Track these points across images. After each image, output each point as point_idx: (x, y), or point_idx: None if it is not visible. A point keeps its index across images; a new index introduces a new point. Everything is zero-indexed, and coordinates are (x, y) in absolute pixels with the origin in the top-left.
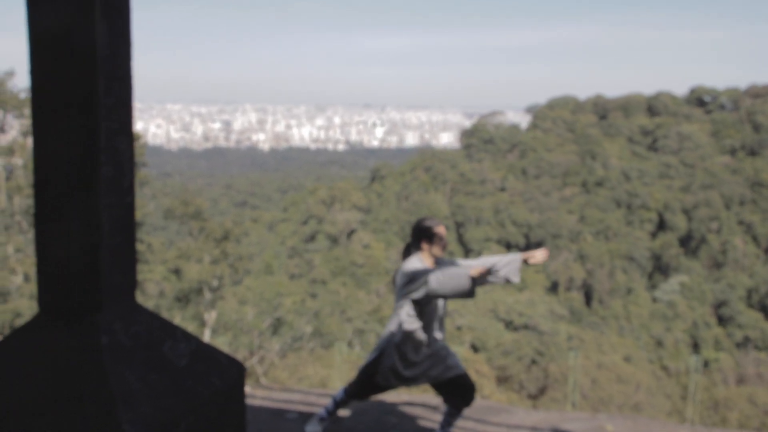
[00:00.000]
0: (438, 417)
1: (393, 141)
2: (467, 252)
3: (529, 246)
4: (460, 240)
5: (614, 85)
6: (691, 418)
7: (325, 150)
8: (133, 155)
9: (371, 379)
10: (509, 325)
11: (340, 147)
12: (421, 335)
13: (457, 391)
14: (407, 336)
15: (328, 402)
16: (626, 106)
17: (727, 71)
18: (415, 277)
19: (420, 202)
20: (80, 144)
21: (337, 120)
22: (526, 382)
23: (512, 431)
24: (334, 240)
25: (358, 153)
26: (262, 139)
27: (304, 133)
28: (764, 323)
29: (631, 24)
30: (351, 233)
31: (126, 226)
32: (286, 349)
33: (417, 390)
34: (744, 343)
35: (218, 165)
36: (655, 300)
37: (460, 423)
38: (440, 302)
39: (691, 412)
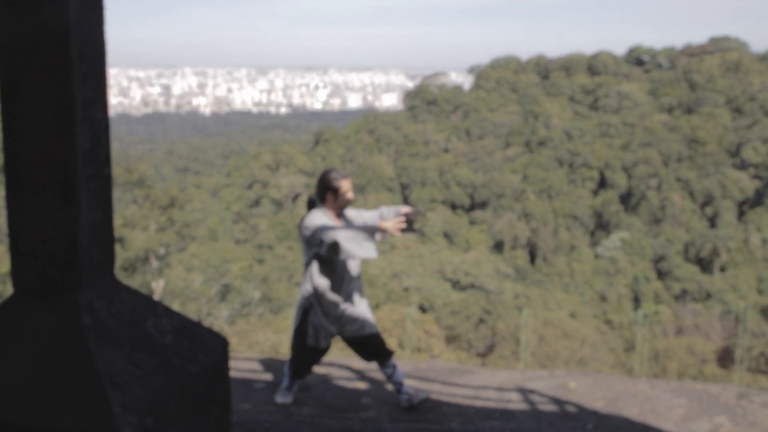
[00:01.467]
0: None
1: (336, 103)
2: None
3: (474, 206)
4: (406, 201)
5: (556, 45)
6: (638, 369)
7: (267, 114)
8: (108, 125)
9: (304, 343)
10: (456, 284)
11: (283, 110)
12: (336, 290)
13: (371, 350)
14: (323, 292)
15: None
16: (567, 65)
17: (664, 31)
18: (315, 234)
19: (365, 164)
20: (54, 115)
21: (279, 83)
22: (474, 341)
23: (479, 392)
24: (279, 204)
25: (300, 116)
26: (203, 104)
27: (246, 97)
28: (700, 276)
29: None
30: (296, 197)
31: (104, 200)
32: (235, 316)
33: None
34: (682, 296)
35: (158, 130)
36: (597, 256)
37: (426, 386)
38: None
39: (637, 364)
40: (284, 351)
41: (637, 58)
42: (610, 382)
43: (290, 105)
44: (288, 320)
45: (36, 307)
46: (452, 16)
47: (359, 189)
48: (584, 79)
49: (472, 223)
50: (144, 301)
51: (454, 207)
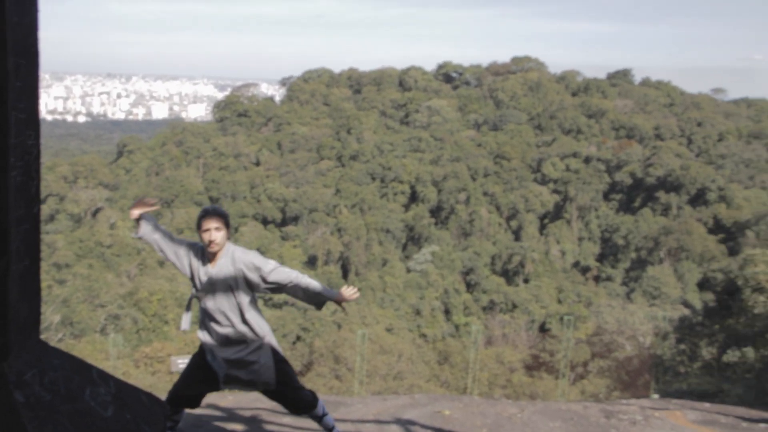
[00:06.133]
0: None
1: (140, 113)
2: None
3: (286, 221)
4: None
5: (368, 59)
6: (471, 386)
7: (63, 122)
8: (39, 153)
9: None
10: (269, 302)
11: (81, 119)
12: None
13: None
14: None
15: None
16: (379, 79)
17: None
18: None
19: (172, 177)
20: None
21: (77, 90)
22: (291, 359)
23: (358, 426)
24: (77, 220)
25: (101, 126)
26: None
27: (40, 104)
28: (506, 287)
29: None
30: (97, 212)
31: (33, 244)
32: None
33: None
34: (490, 307)
35: None
36: (409, 270)
37: (305, 424)
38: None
39: (470, 380)
40: None
41: (445, 74)
42: (481, 407)
43: (89, 113)
44: (93, 345)
45: None
46: (263, 26)
47: (166, 203)
48: (395, 93)
49: (284, 238)
50: (76, 366)
51: (265, 222)
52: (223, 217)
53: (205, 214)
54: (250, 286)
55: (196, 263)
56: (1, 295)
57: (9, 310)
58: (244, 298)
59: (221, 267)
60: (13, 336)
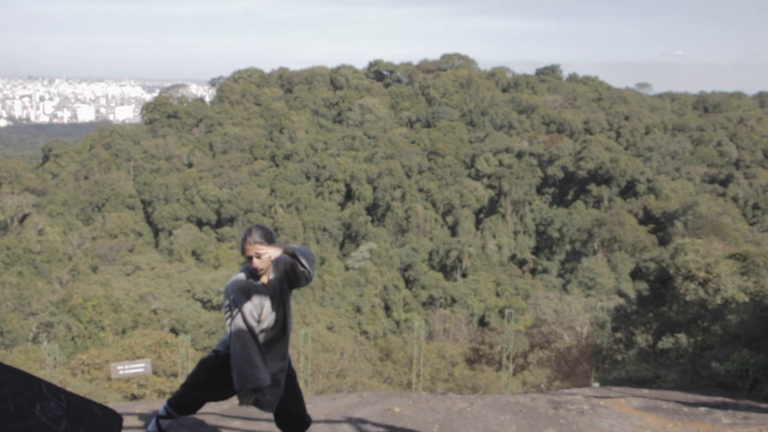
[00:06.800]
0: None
1: (65, 116)
2: (157, 232)
3: (222, 222)
4: (148, 219)
5: (298, 58)
6: (415, 381)
7: None
8: None
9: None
10: (206, 303)
11: (2, 123)
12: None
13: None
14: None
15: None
16: (310, 78)
17: (401, 47)
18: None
19: (102, 181)
20: None
21: None
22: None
23: (311, 427)
24: (3, 227)
25: (24, 129)
26: None
27: None
28: (445, 282)
29: None
30: (24, 218)
31: None
32: None
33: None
34: (430, 302)
35: None
36: (347, 268)
37: (253, 426)
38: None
39: (414, 376)
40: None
41: (376, 72)
42: (429, 402)
43: (11, 117)
44: (26, 354)
45: None
46: (190, 26)
47: (96, 207)
48: (327, 92)
49: (220, 239)
50: (24, 381)
51: (200, 224)
52: (266, 240)
53: (249, 239)
54: (291, 285)
55: (252, 290)
56: None
57: None
58: (288, 308)
59: (273, 279)
60: None
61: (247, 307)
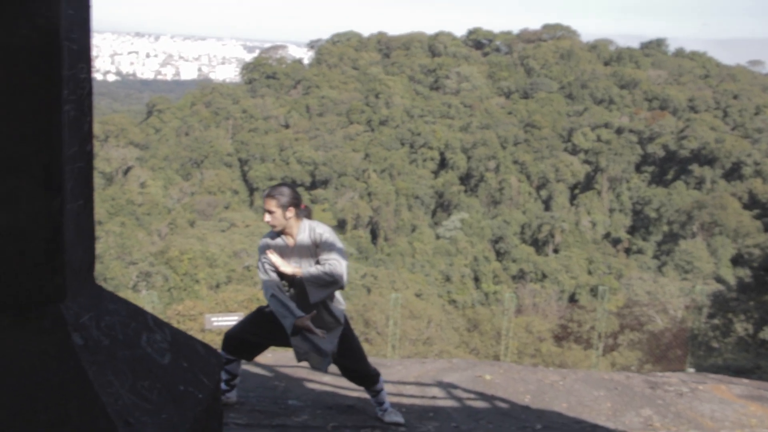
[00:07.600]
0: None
1: (169, 73)
2: (252, 191)
3: (315, 184)
4: (244, 177)
5: (397, 23)
6: (503, 353)
7: (93, 80)
8: (92, 89)
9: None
10: None
11: (111, 78)
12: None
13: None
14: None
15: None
16: (408, 44)
17: (502, 15)
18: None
19: (201, 138)
20: (38, 71)
21: (106, 48)
22: None
23: (401, 388)
24: (109, 179)
25: (130, 85)
26: None
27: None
28: (536, 257)
29: None
30: (128, 170)
31: (87, 183)
32: None
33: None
34: (520, 276)
35: None
36: (438, 237)
37: (345, 383)
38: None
39: (503, 348)
40: None
41: (475, 41)
42: (520, 373)
43: (119, 72)
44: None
45: (13, 325)
46: None
47: (195, 163)
48: (425, 59)
49: (313, 201)
50: (132, 311)
51: (295, 185)
52: (274, 198)
53: (266, 193)
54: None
55: (269, 247)
56: (57, 234)
57: (65, 250)
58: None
59: (300, 241)
60: (69, 278)
61: (265, 262)
